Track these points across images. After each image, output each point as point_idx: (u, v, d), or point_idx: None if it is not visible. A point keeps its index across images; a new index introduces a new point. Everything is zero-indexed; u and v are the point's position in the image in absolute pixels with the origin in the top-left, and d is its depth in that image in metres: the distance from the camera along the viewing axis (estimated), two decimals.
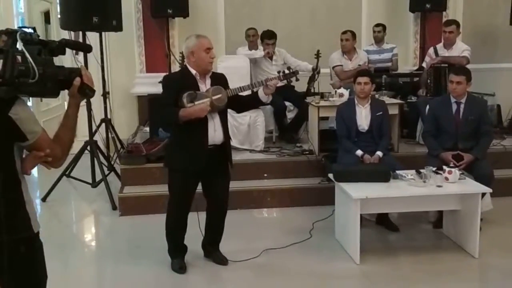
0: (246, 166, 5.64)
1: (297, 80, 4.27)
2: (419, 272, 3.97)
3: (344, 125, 4.97)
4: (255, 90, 3.92)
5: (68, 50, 2.11)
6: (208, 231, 4.11)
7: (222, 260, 4.09)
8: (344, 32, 6.57)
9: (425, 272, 3.96)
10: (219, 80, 3.87)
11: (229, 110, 4.04)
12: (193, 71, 3.79)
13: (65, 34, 5.76)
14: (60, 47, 2.04)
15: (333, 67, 6.66)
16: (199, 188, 3.97)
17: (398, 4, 7.83)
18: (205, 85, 3.80)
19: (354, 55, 6.63)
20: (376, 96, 5.55)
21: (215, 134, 3.78)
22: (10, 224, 1.91)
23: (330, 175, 4.47)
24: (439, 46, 6.34)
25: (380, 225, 4.79)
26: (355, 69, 6.21)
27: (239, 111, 4.46)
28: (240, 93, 3.89)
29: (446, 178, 4.20)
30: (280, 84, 6.05)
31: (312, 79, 6.52)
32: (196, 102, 3.64)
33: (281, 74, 4.03)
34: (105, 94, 6.19)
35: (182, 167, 3.80)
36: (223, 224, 4.09)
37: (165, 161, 4.06)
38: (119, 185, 5.59)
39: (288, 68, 4.14)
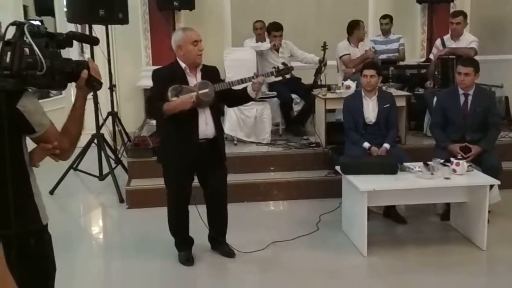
0: (253, 159, 5.65)
1: (290, 77, 4.22)
2: (426, 264, 3.97)
3: (351, 118, 4.95)
4: (245, 85, 3.87)
5: (75, 46, 2.11)
6: (211, 224, 4.11)
7: (229, 253, 4.09)
8: (363, 22, 6.59)
9: (432, 265, 3.95)
10: (210, 73, 3.84)
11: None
12: (183, 65, 3.77)
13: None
14: (67, 40, 2.04)
15: (340, 57, 6.63)
16: (197, 181, 3.98)
17: None
18: (195, 78, 3.78)
19: (360, 43, 6.62)
20: (383, 88, 5.52)
21: (206, 127, 3.76)
22: (19, 216, 1.92)
23: (337, 168, 4.46)
24: (447, 38, 6.30)
25: (388, 218, 4.79)
26: (362, 55, 6.24)
27: (229, 105, 4.46)
28: (234, 87, 3.85)
29: (454, 170, 4.19)
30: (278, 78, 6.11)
31: (318, 71, 6.51)
32: (180, 96, 3.62)
33: (275, 70, 4.01)
34: (112, 87, 6.19)
35: (174, 161, 3.79)
36: (226, 215, 4.09)
37: (158, 156, 4.06)
38: (126, 178, 5.60)
39: (283, 64, 4.12)
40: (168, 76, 3.77)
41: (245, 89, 3.86)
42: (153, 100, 3.78)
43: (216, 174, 3.95)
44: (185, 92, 3.65)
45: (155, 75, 3.84)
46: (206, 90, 3.69)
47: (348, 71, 6.50)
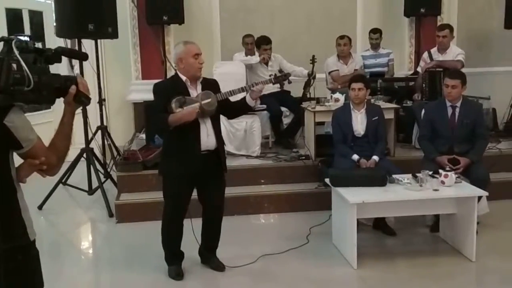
0: (243, 172, 5.65)
1: (289, 82, 4.29)
2: (416, 276, 3.98)
3: (340, 130, 4.98)
4: (245, 94, 3.91)
5: (64, 61, 2.11)
6: (205, 237, 4.11)
7: (219, 266, 4.08)
8: (342, 37, 6.59)
9: (422, 276, 3.96)
10: (211, 86, 3.87)
11: (222, 117, 4.04)
12: (183, 78, 3.80)
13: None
14: (56, 55, 2.04)
15: (329, 73, 6.68)
16: (194, 194, 3.97)
17: (393, 9, 7.85)
18: (196, 91, 3.81)
19: (349, 60, 6.67)
20: (372, 100, 5.56)
21: (208, 139, 3.78)
22: (6, 232, 1.91)
23: (327, 180, 4.47)
24: (434, 51, 6.36)
25: (377, 230, 4.80)
26: (352, 74, 6.25)
27: (230, 117, 4.44)
28: (231, 97, 3.88)
29: (442, 182, 4.21)
30: (275, 89, 6.13)
31: (307, 84, 6.54)
32: (185, 107, 3.65)
33: (272, 77, 4.05)
34: (101, 102, 6.18)
35: (176, 173, 3.80)
36: (220, 229, 4.08)
37: (159, 168, 4.06)
38: (115, 192, 5.58)
39: (280, 71, 4.15)
40: (170, 89, 3.79)
41: (243, 99, 3.89)
42: (157, 112, 3.80)
43: (215, 186, 3.96)
44: (188, 103, 3.68)
45: (157, 88, 3.86)
46: (209, 100, 3.73)
47: (334, 86, 6.54)
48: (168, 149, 3.92)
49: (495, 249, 4.42)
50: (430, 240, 4.70)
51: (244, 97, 3.89)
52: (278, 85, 5.68)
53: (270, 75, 4.16)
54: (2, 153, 1.92)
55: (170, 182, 3.88)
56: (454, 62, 6.07)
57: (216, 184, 3.96)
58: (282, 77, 4.09)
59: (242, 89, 3.88)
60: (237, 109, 4.03)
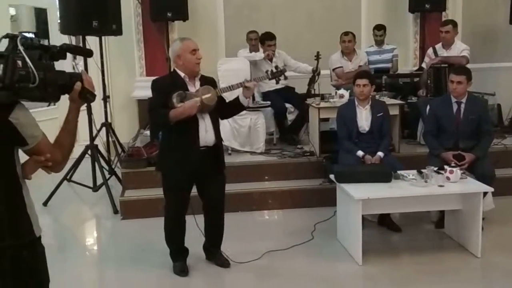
0: (247, 168, 5.65)
1: (285, 78, 4.26)
2: (421, 272, 3.97)
3: (344, 126, 4.97)
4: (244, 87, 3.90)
5: (68, 57, 2.11)
6: (208, 233, 4.11)
7: (224, 262, 4.08)
8: (346, 34, 6.57)
9: (427, 273, 3.95)
10: (209, 83, 3.87)
11: None
12: (182, 74, 3.80)
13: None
14: (61, 52, 2.04)
15: (334, 69, 6.66)
16: (194, 191, 3.98)
17: (398, 5, 7.83)
18: (194, 87, 3.81)
19: (354, 56, 6.65)
20: (377, 97, 5.55)
21: (206, 134, 3.78)
22: (12, 228, 1.92)
23: (332, 176, 4.47)
24: (438, 46, 6.33)
25: (382, 226, 4.79)
26: (356, 70, 6.23)
27: (222, 117, 4.30)
28: (230, 92, 3.88)
29: (448, 178, 4.20)
30: (280, 86, 6.12)
31: (312, 81, 6.53)
32: (186, 102, 3.65)
33: (269, 73, 4.05)
34: (106, 98, 6.19)
35: (175, 169, 3.80)
36: (222, 225, 4.08)
37: (157, 165, 4.05)
38: (120, 189, 5.59)
39: (276, 67, 4.15)
40: (168, 85, 3.80)
41: (237, 98, 3.89)
42: (157, 108, 3.79)
43: (215, 182, 3.95)
44: (189, 97, 3.68)
45: (156, 84, 3.86)
46: (209, 94, 3.73)
47: (339, 83, 6.53)
48: (167, 145, 3.92)
49: (501, 245, 4.41)
50: (435, 236, 4.69)
51: (238, 96, 3.89)
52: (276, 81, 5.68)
53: (266, 71, 4.17)
54: (7, 149, 1.93)
55: (169, 179, 3.88)
56: (459, 58, 6.05)
57: (216, 179, 3.95)
58: (278, 72, 4.09)
59: (240, 84, 3.87)
60: (230, 109, 4.00)
